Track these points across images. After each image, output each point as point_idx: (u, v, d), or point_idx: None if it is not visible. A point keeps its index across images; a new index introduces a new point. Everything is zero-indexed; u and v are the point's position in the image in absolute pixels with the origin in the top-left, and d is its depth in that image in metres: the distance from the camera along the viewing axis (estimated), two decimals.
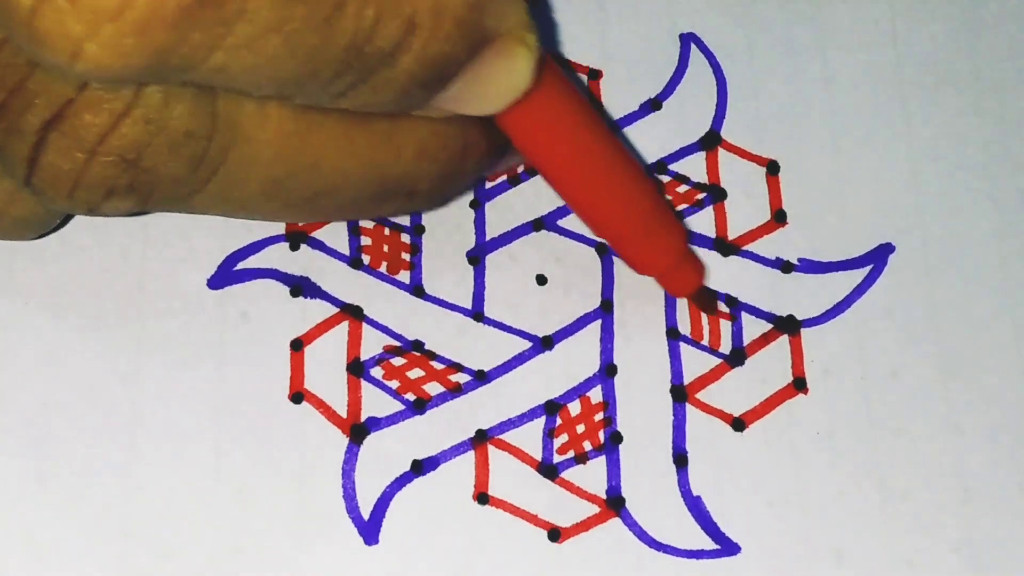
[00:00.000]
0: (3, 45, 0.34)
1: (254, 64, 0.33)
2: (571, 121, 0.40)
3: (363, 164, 0.38)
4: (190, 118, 0.34)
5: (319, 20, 0.32)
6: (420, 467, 0.42)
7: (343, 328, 0.44)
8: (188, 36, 0.31)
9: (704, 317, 0.45)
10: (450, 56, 0.35)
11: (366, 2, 0.33)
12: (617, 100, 0.48)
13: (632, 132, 0.47)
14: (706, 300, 0.45)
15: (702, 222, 0.46)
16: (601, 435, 0.43)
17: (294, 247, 0.45)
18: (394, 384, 0.43)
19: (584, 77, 0.48)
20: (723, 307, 0.45)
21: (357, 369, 0.43)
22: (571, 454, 0.43)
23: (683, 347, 0.44)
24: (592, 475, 0.43)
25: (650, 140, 0.47)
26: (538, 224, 0.46)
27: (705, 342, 0.44)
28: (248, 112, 0.35)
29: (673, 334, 0.44)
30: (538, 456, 0.43)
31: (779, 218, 0.46)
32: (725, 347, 0.44)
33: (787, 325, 0.45)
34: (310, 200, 0.38)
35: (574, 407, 0.43)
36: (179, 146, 0.35)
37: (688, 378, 0.44)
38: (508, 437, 0.43)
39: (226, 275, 0.44)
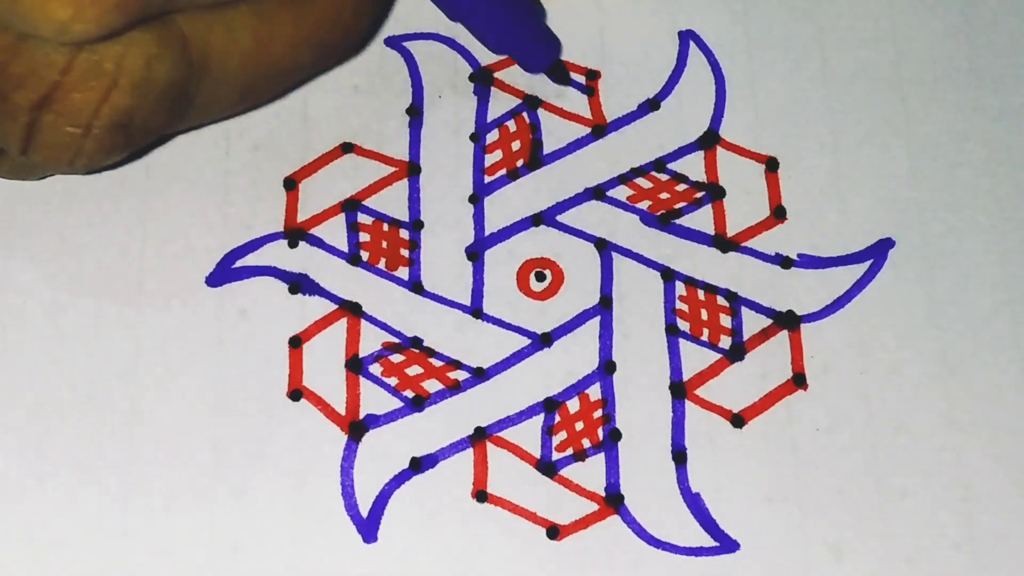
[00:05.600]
0: None
1: None
2: None
3: (314, 45, 0.41)
4: (171, 72, 0.37)
5: None
6: (419, 464, 0.42)
7: (342, 325, 0.44)
8: None
9: (703, 311, 0.45)
10: None
11: None
12: (615, 100, 0.48)
13: (631, 132, 0.47)
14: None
15: (701, 220, 0.46)
16: (600, 432, 0.43)
17: (292, 244, 0.45)
18: (393, 381, 0.43)
19: (582, 78, 0.48)
20: (723, 302, 0.45)
21: (356, 366, 0.43)
22: (570, 451, 0.43)
23: (682, 343, 0.44)
24: (591, 472, 0.43)
25: (649, 140, 0.47)
26: (537, 219, 0.46)
27: (704, 338, 0.44)
28: (216, 45, 0.38)
29: (672, 330, 0.44)
30: (537, 453, 0.43)
31: (778, 214, 0.46)
32: (725, 343, 0.44)
33: (787, 320, 0.45)
34: (274, 88, 0.43)
35: (573, 404, 0.43)
36: (163, 98, 0.37)
37: (687, 374, 0.44)
38: (507, 434, 0.43)
39: (224, 273, 0.44)
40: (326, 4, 0.41)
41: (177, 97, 0.38)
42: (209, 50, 0.38)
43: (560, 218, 0.46)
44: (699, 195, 0.47)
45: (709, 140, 0.47)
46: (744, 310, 0.45)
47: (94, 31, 0.34)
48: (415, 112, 0.47)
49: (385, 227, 0.45)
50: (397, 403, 0.43)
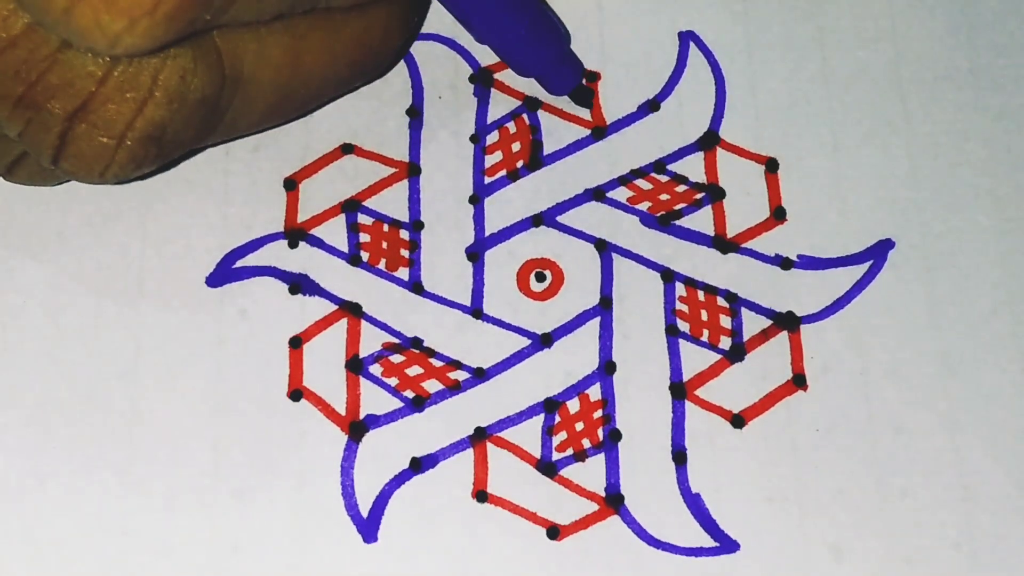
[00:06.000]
0: (21, 40, 0.35)
1: None
2: None
3: (343, 65, 0.42)
4: (204, 87, 0.38)
5: None
6: (419, 465, 0.42)
7: (342, 325, 0.44)
8: (212, 2, 0.35)
9: (703, 312, 0.45)
10: None
11: None
12: (615, 102, 0.48)
13: (630, 133, 0.47)
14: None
15: (701, 221, 0.46)
16: (600, 433, 0.43)
17: (293, 245, 0.45)
18: (393, 381, 0.43)
19: (582, 79, 0.48)
20: (722, 302, 0.45)
21: (356, 366, 0.43)
22: (570, 452, 0.43)
23: (682, 343, 0.44)
24: (591, 473, 0.43)
25: (649, 141, 0.47)
26: (537, 220, 0.46)
27: (704, 339, 0.44)
28: (249, 61, 0.39)
29: (672, 331, 0.44)
30: (537, 454, 0.43)
31: (778, 215, 0.46)
32: (725, 343, 0.44)
33: (787, 321, 0.45)
34: (301, 107, 0.44)
35: (573, 405, 0.43)
36: (196, 112, 0.38)
37: (687, 375, 0.44)
38: (507, 435, 0.43)
39: (225, 273, 0.44)
40: (356, 25, 0.41)
41: (209, 111, 0.38)
42: (242, 66, 0.39)
43: (560, 219, 0.46)
44: (699, 196, 0.47)
45: (709, 141, 0.47)
46: (744, 311, 0.45)
47: (144, 44, 0.35)
48: (415, 113, 0.47)
49: (385, 228, 0.45)
50: (397, 403, 0.43)
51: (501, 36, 0.45)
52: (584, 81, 0.48)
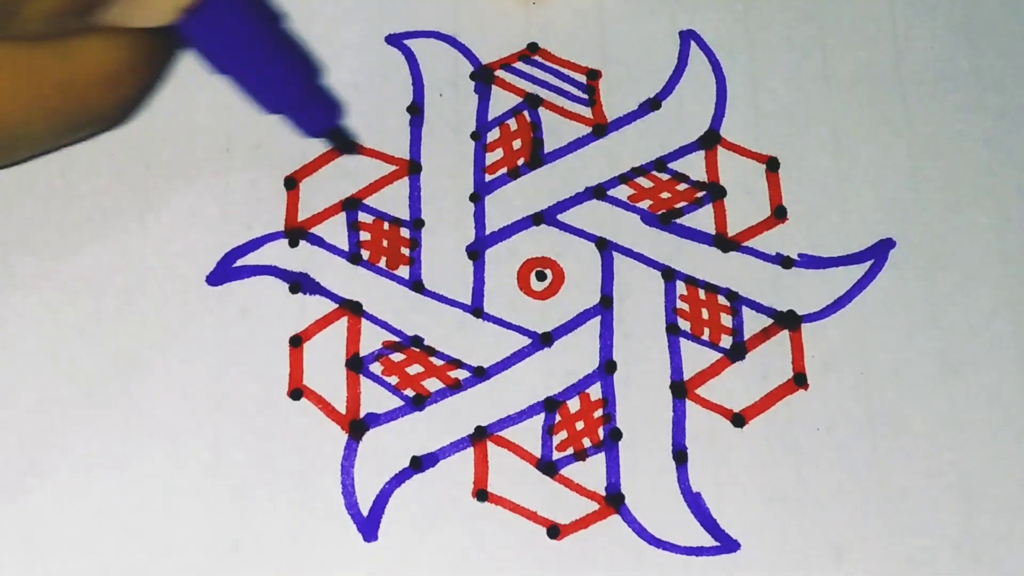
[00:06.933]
0: None
1: None
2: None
3: (47, 112, 0.39)
4: None
5: None
6: (419, 463, 0.42)
7: (342, 324, 0.44)
8: None
9: (704, 311, 0.45)
10: None
11: None
12: (616, 100, 0.48)
13: (631, 132, 0.47)
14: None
15: (702, 219, 0.46)
16: (601, 432, 0.43)
17: (293, 244, 0.45)
18: (393, 380, 0.43)
19: (583, 78, 0.48)
20: (723, 301, 0.45)
21: (356, 365, 0.43)
22: (570, 451, 0.43)
23: (683, 342, 0.44)
24: (591, 472, 0.43)
25: (650, 139, 0.47)
26: (538, 218, 0.46)
27: (705, 337, 0.44)
28: None
29: (673, 329, 0.44)
30: (537, 453, 0.43)
31: (779, 214, 0.46)
32: (725, 342, 0.44)
33: (788, 320, 0.45)
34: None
35: (573, 404, 0.43)
36: None
37: (688, 374, 0.44)
38: (507, 434, 0.43)
39: (225, 272, 0.44)
40: (59, 66, 0.38)
41: None
42: None
43: (561, 217, 0.46)
44: (700, 195, 0.47)
45: (710, 140, 0.47)
46: (745, 309, 0.45)
47: None
48: (416, 110, 0.47)
49: (386, 226, 0.45)
50: (398, 402, 0.43)
51: (241, 69, 0.41)
52: (586, 80, 0.48)
